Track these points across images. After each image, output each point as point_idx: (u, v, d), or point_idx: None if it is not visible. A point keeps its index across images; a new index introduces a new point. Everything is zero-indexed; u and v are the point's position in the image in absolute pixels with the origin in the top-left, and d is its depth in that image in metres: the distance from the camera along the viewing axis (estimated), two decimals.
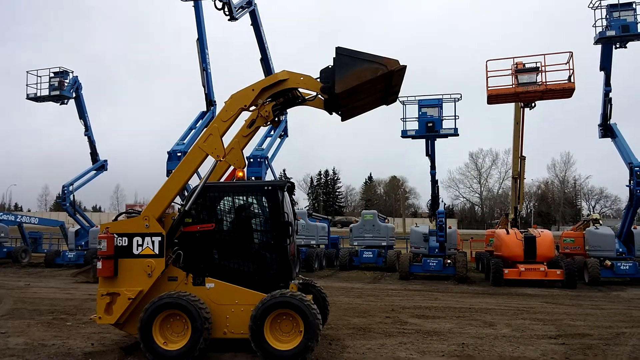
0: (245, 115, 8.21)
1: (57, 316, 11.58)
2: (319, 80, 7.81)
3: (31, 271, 24.08)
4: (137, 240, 7.90)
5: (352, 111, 8.57)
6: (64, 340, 9.11)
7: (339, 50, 7.60)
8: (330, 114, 8.24)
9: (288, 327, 7.57)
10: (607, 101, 19.21)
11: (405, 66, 7.55)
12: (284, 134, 24.35)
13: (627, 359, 7.92)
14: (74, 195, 26.32)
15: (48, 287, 17.71)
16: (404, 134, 19.92)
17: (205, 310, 7.59)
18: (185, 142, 19.94)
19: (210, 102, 21.86)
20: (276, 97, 8.15)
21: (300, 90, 8.17)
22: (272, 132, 22.26)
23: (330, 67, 7.70)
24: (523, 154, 21.68)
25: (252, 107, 8.07)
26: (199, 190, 8.00)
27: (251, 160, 20.62)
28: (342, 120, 8.57)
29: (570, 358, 7.94)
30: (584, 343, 9.02)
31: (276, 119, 8.40)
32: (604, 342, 9.07)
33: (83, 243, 26.37)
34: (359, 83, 7.49)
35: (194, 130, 20.74)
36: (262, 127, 8.54)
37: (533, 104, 19.33)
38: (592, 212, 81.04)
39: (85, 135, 27.53)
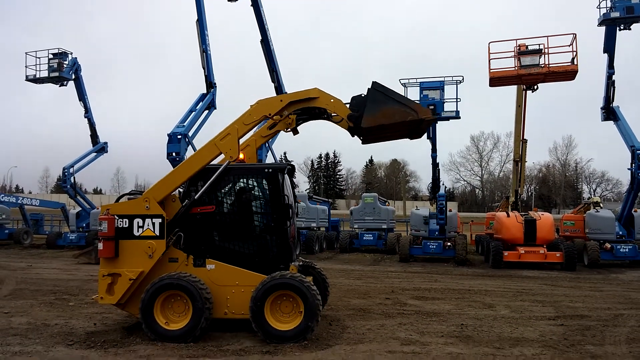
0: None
1: (60, 296, 11.67)
2: (348, 106, 7.87)
3: (33, 252, 24.22)
4: (138, 222, 7.92)
5: (374, 139, 8.70)
6: (67, 320, 9.19)
7: (374, 86, 7.72)
8: (352, 136, 8.28)
9: (288, 308, 7.63)
10: (610, 84, 19.08)
11: (436, 118, 7.65)
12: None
13: (625, 340, 7.98)
14: (74, 178, 26.34)
15: (50, 268, 17.82)
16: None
17: (206, 291, 7.64)
18: (185, 124, 19.85)
19: (210, 84, 21.72)
20: (302, 111, 8.17)
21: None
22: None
23: (362, 96, 7.78)
24: (525, 137, 21.61)
25: (276, 116, 8.04)
26: (212, 181, 7.99)
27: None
28: (363, 143, 8.69)
29: (568, 339, 8.00)
30: (583, 324, 9.09)
31: (297, 128, 8.43)
32: (602, 324, 9.13)
33: (84, 225, 26.49)
34: (387, 123, 7.62)
35: (194, 113, 20.62)
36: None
37: (535, 87, 19.19)
38: (592, 196, 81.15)
39: (85, 117, 27.43)
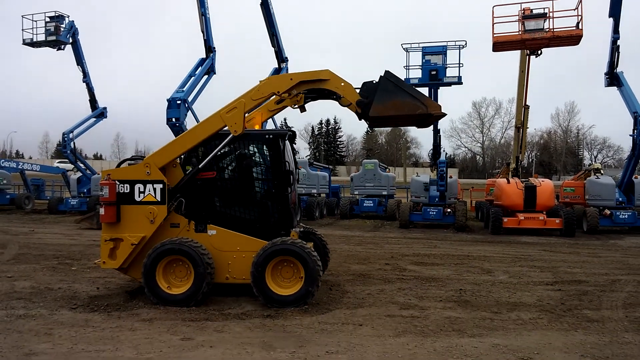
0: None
1: (62, 261, 11.79)
2: (358, 91, 7.81)
3: (35, 217, 24.37)
4: (139, 187, 7.93)
5: (381, 125, 8.70)
6: (70, 284, 9.30)
7: (387, 75, 7.68)
8: (360, 120, 8.24)
9: (289, 274, 7.70)
10: (614, 49, 18.80)
11: (446, 114, 7.57)
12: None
13: (622, 305, 8.08)
14: (74, 143, 26.29)
15: (52, 233, 17.95)
16: (407, 82, 19.59)
17: (208, 256, 7.70)
18: (184, 89, 19.69)
19: (209, 48, 21.45)
20: (311, 91, 8.11)
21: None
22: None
23: (374, 83, 7.73)
24: (527, 103, 21.43)
25: (285, 95, 7.98)
26: (216, 150, 7.98)
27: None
28: (370, 127, 8.67)
29: (565, 304, 8.10)
30: (580, 289, 9.19)
31: (305, 105, 8.38)
32: (599, 289, 9.23)
33: (85, 190, 26.56)
34: (395, 114, 7.61)
35: (193, 78, 20.43)
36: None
37: (539, 52, 18.96)
38: (593, 162, 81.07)
39: (83, 82, 27.17)
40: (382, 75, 7.79)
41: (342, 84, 7.91)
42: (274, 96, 7.96)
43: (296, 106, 8.17)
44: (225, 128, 7.96)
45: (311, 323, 6.87)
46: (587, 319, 7.26)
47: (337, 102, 8.21)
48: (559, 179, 73.73)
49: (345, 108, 8.07)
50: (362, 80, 7.91)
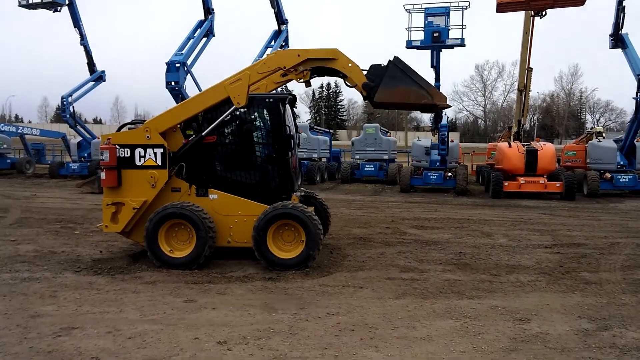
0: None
1: (65, 225, 11.87)
2: (365, 73, 7.74)
3: (36, 182, 24.42)
4: (139, 152, 7.92)
5: (385, 107, 8.65)
6: (73, 247, 9.38)
7: (395, 61, 7.64)
8: (364, 101, 8.25)
9: (290, 237, 7.76)
10: (619, 10, 18.45)
11: (451, 106, 7.48)
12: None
13: (620, 267, 8.16)
14: (73, 107, 26.06)
15: (54, 197, 18.02)
16: (409, 45, 19.26)
17: (209, 220, 7.74)
18: (183, 52, 19.44)
19: (207, 10, 21.08)
20: (317, 68, 8.01)
21: None
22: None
23: (382, 67, 7.67)
24: (530, 66, 21.15)
25: (291, 70, 7.90)
26: (225, 115, 7.93)
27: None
28: (374, 108, 8.59)
29: (564, 266, 8.18)
30: (579, 252, 9.27)
31: (310, 80, 8.31)
32: (598, 252, 9.31)
33: (86, 154, 26.53)
34: (400, 102, 7.63)
35: (192, 40, 20.14)
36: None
37: (544, 12, 18.56)
38: (596, 125, 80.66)
39: (81, 44, 26.71)
40: (391, 60, 7.74)
41: (350, 64, 7.84)
42: (280, 70, 7.91)
43: (301, 80, 8.12)
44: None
45: (312, 286, 6.95)
46: (585, 281, 7.35)
47: (343, 80, 8.18)
48: (561, 142, 73.51)
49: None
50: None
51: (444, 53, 19.60)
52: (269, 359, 4.64)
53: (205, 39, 20.87)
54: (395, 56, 7.76)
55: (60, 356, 4.67)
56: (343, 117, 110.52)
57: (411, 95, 7.60)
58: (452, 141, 20.73)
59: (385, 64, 7.77)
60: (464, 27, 18.82)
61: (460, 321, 5.64)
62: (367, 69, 7.85)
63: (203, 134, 7.95)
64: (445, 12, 18.90)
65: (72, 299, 6.34)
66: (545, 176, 18.17)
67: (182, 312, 5.91)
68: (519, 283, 7.22)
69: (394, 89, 7.60)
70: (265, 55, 17.96)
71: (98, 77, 27.31)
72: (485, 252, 9.22)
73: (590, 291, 6.85)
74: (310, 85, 8.63)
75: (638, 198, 18.91)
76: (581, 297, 6.60)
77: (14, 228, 11.46)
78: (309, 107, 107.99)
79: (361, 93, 7.95)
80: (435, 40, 18.82)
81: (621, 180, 18.88)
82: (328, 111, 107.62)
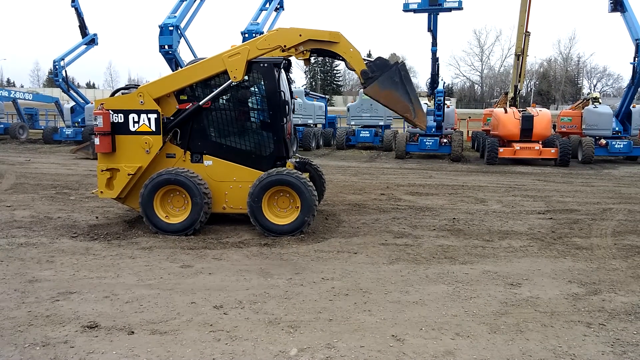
0: None
1: (60, 191, 11.87)
2: (366, 62, 7.73)
3: (30, 147, 24.30)
4: (133, 117, 7.86)
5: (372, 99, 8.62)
6: (69, 213, 9.41)
7: (401, 66, 7.70)
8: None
9: (285, 204, 7.80)
10: None
11: (425, 131, 7.47)
12: None
13: (611, 233, 8.27)
14: (65, 71, 25.67)
15: (49, 162, 17.96)
16: (406, 8, 18.96)
17: (204, 186, 7.75)
18: (177, 15, 19.06)
19: None
20: (317, 49, 7.94)
21: None
22: None
23: (387, 63, 7.69)
24: (528, 30, 20.89)
25: (291, 49, 7.82)
26: (221, 89, 7.88)
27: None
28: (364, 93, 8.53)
29: (556, 232, 8.28)
30: (571, 218, 9.37)
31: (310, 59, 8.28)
32: (590, 217, 9.41)
33: (79, 120, 26.28)
34: (385, 105, 7.79)
35: (185, 3, 19.73)
36: None
37: None
38: (592, 91, 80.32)
39: (72, 6, 26.13)
40: (398, 63, 7.76)
41: (351, 49, 7.79)
42: (279, 48, 7.82)
43: (300, 59, 8.04)
44: None
45: (307, 251, 7.03)
46: (577, 246, 7.45)
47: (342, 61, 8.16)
48: (557, 108, 73.29)
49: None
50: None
51: (441, 17, 19.34)
52: (264, 323, 4.72)
53: (199, 1, 20.44)
54: (402, 62, 7.84)
55: (58, 320, 4.73)
56: (339, 83, 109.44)
57: (398, 104, 7.69)
58: (448, 107, 20.64)
59: (392, 63, 7.77)
60: None
61: (453, 286, 5.74)
62: (374, 59, 7.83)
63: (201, 102, 7.89)
64: None
65: (69, 264, 6.39)
66: (540, 142, 18.19)
67: (179, 277, 5.97)
68: (511, 248, 7.31)
69: (385, 89, 7.64)
70: (264, 29, 17.64)
71: (90, 41, 26.76)
72: (478, 218, 9.31)
73: (581, 256, 6.95)
74: (310, 64, 8.64)
75: (632, 164, 19.02)
76: (572, 262, 6.70)
77: (9, 194, 11.45)
78: (304, 72, 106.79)
79: (359, 78, 7.94)
80: (433, 3, 18.52)
81: (616, 146, 18.94)
82: (324, 76, 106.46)
